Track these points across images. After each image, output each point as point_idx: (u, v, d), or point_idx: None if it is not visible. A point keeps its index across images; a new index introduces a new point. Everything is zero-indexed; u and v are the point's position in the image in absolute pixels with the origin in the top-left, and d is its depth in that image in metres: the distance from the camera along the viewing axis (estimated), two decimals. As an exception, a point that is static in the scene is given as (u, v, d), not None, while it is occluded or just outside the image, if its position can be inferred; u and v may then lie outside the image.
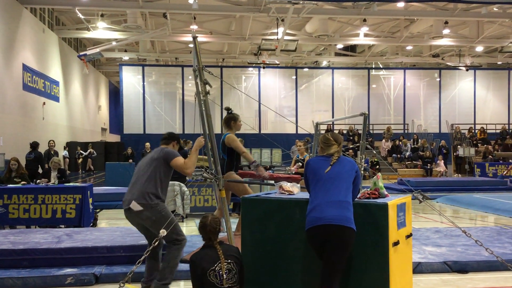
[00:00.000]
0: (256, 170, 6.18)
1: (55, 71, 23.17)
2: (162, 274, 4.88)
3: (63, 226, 8.76)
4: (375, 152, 9.28)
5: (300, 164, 9.84)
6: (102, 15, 20.47)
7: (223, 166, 6.35)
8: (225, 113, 6.71)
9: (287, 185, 4.65)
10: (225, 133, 6.47)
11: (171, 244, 4.95)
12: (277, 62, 24.99)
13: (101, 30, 21.34)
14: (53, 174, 9.84)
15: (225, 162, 6.40)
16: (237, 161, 6.53)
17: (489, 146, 24.38)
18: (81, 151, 23.65)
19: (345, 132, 25.80)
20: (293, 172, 9.63)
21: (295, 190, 4.61)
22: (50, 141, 16.90)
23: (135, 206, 4.81)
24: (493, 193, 15.09)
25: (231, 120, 6.54)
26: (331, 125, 24.93)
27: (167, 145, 5.29)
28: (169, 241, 4.93)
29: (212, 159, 5.84)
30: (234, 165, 6.45)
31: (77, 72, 27.17)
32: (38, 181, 9.47)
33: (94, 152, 23.84)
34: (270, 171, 11.14)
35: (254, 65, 25.52)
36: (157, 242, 4.68)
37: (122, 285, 4.33)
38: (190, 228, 9.23)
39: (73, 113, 26.49)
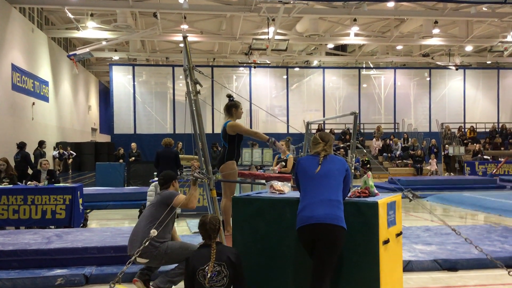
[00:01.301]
0: (275, 146, 6.21)
1: (44, 71, 23.01)
2: (171, 271, 4.93)
3: (53, 227, 8.70)
4: (365, 151, 9.30)
5: (284, 163, 9.82)
6: (91, 15, 20.36)
7: (224, 154, 6.27)
8: (217, 113, 6.68)
9: (278, 184, 4.65)
10: (226, 121, 6.34)
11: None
12: (268, 62, 24.99)
13: (91, 30, 21.21)
14: (43, 175, 9.78)
15: (226, 150, 6.26)
16: (238, 149, 6.41)
17: (479, 145, 24.56)
18: (65, 151, 23.03)
19: (336, 131, 25.89)
20: (277, 171, 9.60)
21: (286, 189, 4.61)
22: (42, 142, 16.78)
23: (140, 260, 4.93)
24: (483, 191, 15.20)
25: (232, 107, 6.41)
26: (322, 125, 24.98)
27: (167, 188, 5.31)
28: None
29: (203, 158, 5.82)
30: (235, 153, 6.30)
31: (66, 72, 27.01)
32: (29, 182, 9.40)
33: (72, 152, 23.22)
34: (261, 170, 11.14)
35: (245, 64, 25.49)
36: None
37: (112, 285, 4.30)
38: (181, 228, 9.21)
39: (62, 113, 26.33)
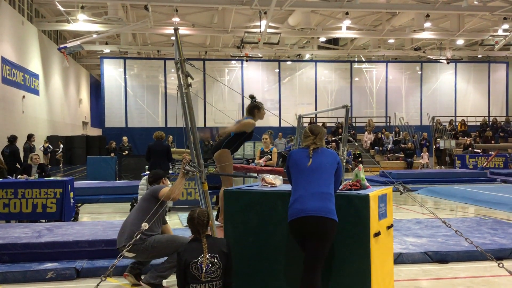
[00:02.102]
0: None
1: (34, 64, 22.82)
2: (161, 266, 4.92)
3: (43, 220, 8.66)
4: (357, 144, 9.32)
5: (269, 156, 9.83)
6: (82, 7, 20.18)
7: (223, 141, 6.29)
8: (209, 106, 6.66)
9: (269, 178, 4.65)
10: (247, 117, 6.38)
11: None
12: (260, 55, 24.94)
13: (82, 23, 21.03)
14: (34, 169, 9.72)
15: (228, 139, 6.28)
16: (239, 145, 6.45)
17: (470, 139, 24.70)
18: (50, 146, 22.49)
19: (329, 125, 25.93)
20: (262, 165, 9.58)
21: (277, 182, 4.61)
22: (31, 135, 16.64)
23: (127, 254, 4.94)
24: (473, 184, 15.31)
25: (255, 108, 6.41)
26: (314, 118, 25.00)
27: (157, 184, 5.36)
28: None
29: (194, 152, 5.80)
30: (234, 146, 6.33)
31: (57, 65, 26.80)
32: (19, 176, 9.34)
33: (50, 146, 22.66)
34: (253, 164, 11.13)
35: (237, 58, 25.42)
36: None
37: (103, 279, 4.29)
38: (173, 222, 9.20)
39: (53, 107, 26.16)
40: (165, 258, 4.98)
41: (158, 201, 4.95)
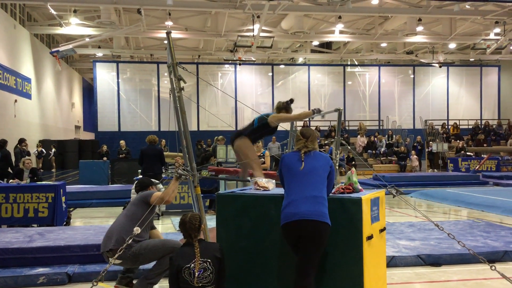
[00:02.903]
0: (319, 113, 6.27)
1: (26, 68, 22.71)
2: (150, 273, 4.81)
3: (35, 225, 8.59)
4: (349, 148, 9.34)
5: (263, 160, 9.82)
6: (75, 11, 20.09)
7: (245, 129, 6.16)
8: (202, 110, 6.63)
9: (262, 181, 4.64)
10: (272, 113, 6.20)
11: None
12: (253, 59, 24.97)
13: (74, 26, 20.96)
14: (26, 174, 9.67)
15: (251, 129, 6.11)
16: (260, 137, 6.33)
17: (462, 142, 24.83)
18: (43, 150, 22.28)
19: (322, 128, 25.96)
20: None
21: (270, 186, 4.60)
22: (22, 139, 16.55)
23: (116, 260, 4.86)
24: (466, 187, 15.37)
25: (283, 109, 6.22)
26: (308, 121, 25.03)
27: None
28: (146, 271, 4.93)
29: (187, 156, 5.78)
30: (256, 136, 6.15)
31: (49, 69, 26.69)
32: (11, 181, 9.28)
33: (44, 150, 22.45)
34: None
35: (230, 61, 25.44)
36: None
37: (95, 284, 4.26)
38: (166, 226, 9.18)
39: (45, 111, 26.02)
40: (154, 263, 4.88)
41: (148, 207, 4.86)
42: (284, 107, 6.22)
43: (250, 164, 5.99)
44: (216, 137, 15.17)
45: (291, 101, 6.30)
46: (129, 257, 4.69)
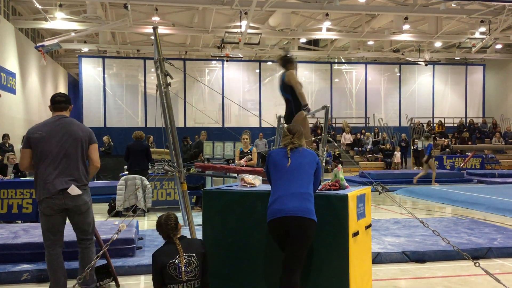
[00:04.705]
0: (309, 113, 6.10)
1: (11, 63, 22.40)
2: (89, 277, 4.65)
3: (19, 221, 8.51)
4: (336, 145, 9.37)
5: (250, 157, 9.82)
6: (60, 5, 19.84)
7: (291, 107, 6.06)
8: (189, 107, 6.60)
9: (249, 178, 4.64)
10: (284, 72, 6.09)
11: (88, 240, 4.82)
12: (241, 56, 24.89)
13: (60, 21, 20.71)
14: (9, 169, 9.56)
15: (291, 102, 6.03)
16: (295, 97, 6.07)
17: (447, 140, 25.06)
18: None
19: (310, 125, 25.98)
20: (243, 165, 9.57)
21: (257, 182, 4.60)
22: (5, 135, 16.39)
23: (73, 190, 4.55)
24: (451, 184, 15.54)
25: (288, 62, 6.15)
26: (294, 119, 25.00)
27: (64, 110, 4.80)
28: (89, 235, 4.82)
29: (173, 152, 5.76)
30: (299, 103, 6.02)
31: (34, 64, 26.34)
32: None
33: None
34: (233, 164, 11.11)
35: (217, 58, 25.31)
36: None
37: (79, 281, 4.24)
38: (152, 222, 9.12)
39: (30, 106, 25.70)
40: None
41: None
42: (288, 60, 6.11)
43: (307, 135, 5.79)
44: (202, 132, 15.12)
45: (286, 51, 6.39)
46: (88, 196, 4.84)
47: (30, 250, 5.74)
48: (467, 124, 28.20)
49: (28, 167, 4.66)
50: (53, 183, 4.47)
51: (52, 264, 4.60)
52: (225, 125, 25.45)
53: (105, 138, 18.49)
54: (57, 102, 4.76)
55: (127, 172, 10.71)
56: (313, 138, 6.39)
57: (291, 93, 6.04)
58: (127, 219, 5.93)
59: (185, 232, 4.49)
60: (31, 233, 6.33)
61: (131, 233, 6.36)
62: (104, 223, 7.09)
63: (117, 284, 5.14)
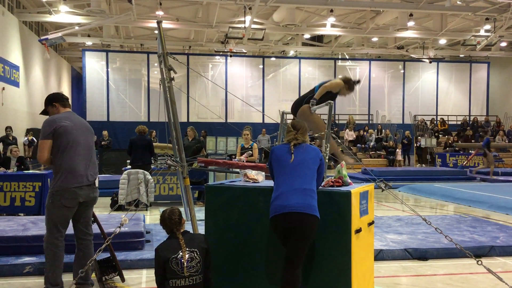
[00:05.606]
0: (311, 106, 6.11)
1: (15, 56, 22.42)
2: (86, 275, 4.66)
3: (22, 214, 8.53)
4: (340, 141, 9.34)
5: (251, 152, 9.82)
6: (64, -1, 19.87)
7: (306, 95, 6.20)
8: (192, 101, 6.58)
9: (252, 173, 4.64)
10: (338, 80, 6.12)
11: (91, 235, 4.83)
12: (244, 51, 24.85)
13: (64, 14, 20.70)
14: (13, 162, 9.57)
15: (310, 95, 6.10)
16: (320, 102, 6.12)
17: (451, 137, 25.00)
18: (34, 138, 21.89)
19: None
20: (244, 161, 9.56)
21: (259, 178, 4.60)
22: (8, 128, 16.41)
23: (97, 182, 4.74)
24: (453, 182, 15.52)
25: (347, 83, 6.18)
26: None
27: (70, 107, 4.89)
28: (91, 230, 4.83)
29: (176, 146, 5.75)
30: (318, 102, 6.04)
31: (38, 57, 26.36)
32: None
33: (35, 139, 21.82)
34: (236, 159, 11.11)
35: (221, 53, 25.29)
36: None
37: (81, 273, 4.25)
38: (154, 217, 9.14)
39: (34, 99, 25.73)
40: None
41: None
42: (348, 82, 6.13)
43: (318, 127, 6.00)
44: (202, 131, 15.14)
45: (358, 81, 6.31)
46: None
47: (40, 243, 5.74)
48: (471, 122, 28.12)
49: (47, 160, 4.55)
50: (86, 175, 4.55)
51: (61, 257, 4.62)
52: (228, 121, 25.46)
53: (104, 132, 18.55)
54: (66, 98, 4.86)
55: (130, 166, 10.72)
56: (316, 135, 6.35)
57: (319, 91, 6.03)
58: (130, 213, 5.94)
59: (187, 227, 4.49)
60: (39, 225, 6.34)
61: (140, 227, 6.38)
62: (111, 216, 7.13)
63: (122, 279, 5.14)
